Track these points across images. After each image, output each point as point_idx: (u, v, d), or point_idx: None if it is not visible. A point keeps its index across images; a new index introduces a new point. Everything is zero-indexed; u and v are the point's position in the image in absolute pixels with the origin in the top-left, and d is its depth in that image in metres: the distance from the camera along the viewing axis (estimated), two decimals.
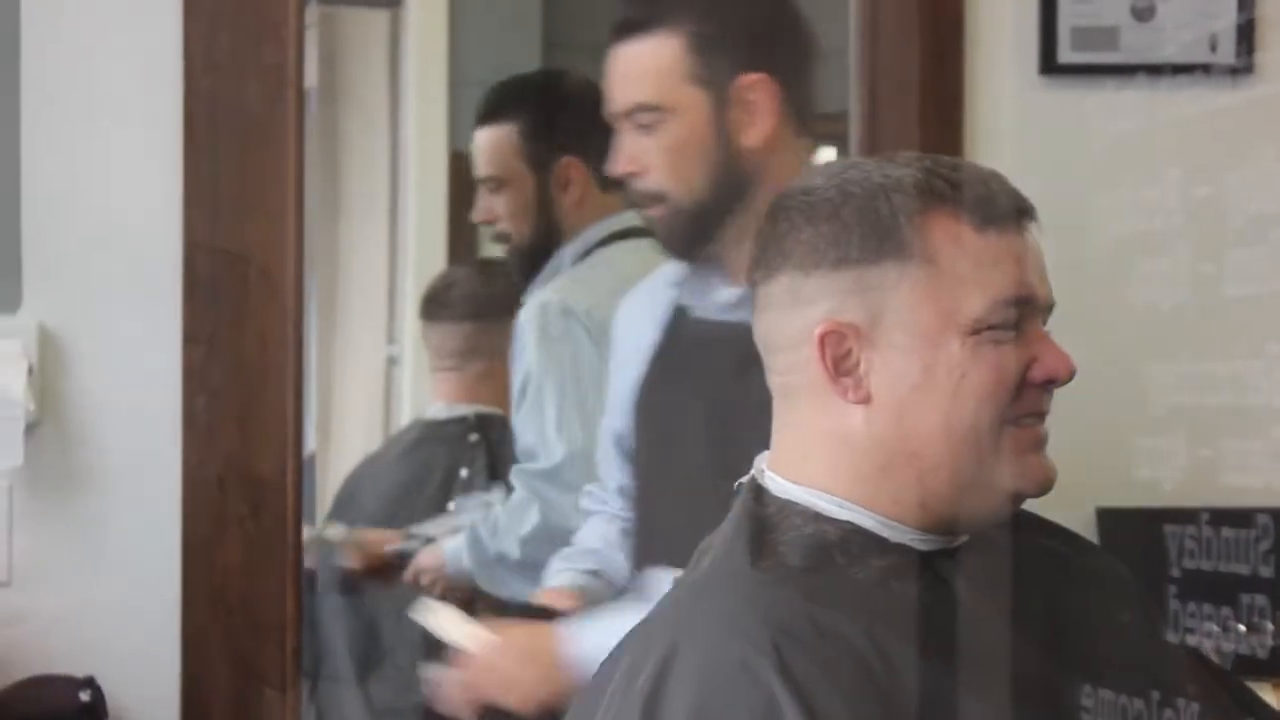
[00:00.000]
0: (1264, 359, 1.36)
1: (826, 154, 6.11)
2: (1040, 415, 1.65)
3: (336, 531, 3.83)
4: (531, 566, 2.91)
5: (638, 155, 2.41)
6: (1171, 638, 1.54)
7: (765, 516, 1.65)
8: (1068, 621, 1.68)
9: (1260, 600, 1.37)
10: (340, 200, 4.61)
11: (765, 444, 1.72)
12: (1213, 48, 1.91)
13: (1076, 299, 1.91)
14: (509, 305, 3.33)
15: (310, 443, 3.43)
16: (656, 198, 2.41)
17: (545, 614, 2.43)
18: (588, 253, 3.24)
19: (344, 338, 4.62)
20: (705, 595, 1.63)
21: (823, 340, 1.62)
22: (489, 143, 3.36)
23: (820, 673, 1.51)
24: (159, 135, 2.81)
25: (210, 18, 2.81)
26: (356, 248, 4.37)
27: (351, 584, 3.80)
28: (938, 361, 1.61)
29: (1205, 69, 1.65)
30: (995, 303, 1.61)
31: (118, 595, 2.79)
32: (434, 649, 2.50)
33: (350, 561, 3.77)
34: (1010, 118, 2.93)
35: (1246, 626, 1.39)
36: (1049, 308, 1.67)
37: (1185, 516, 1.43)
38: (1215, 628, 1.41)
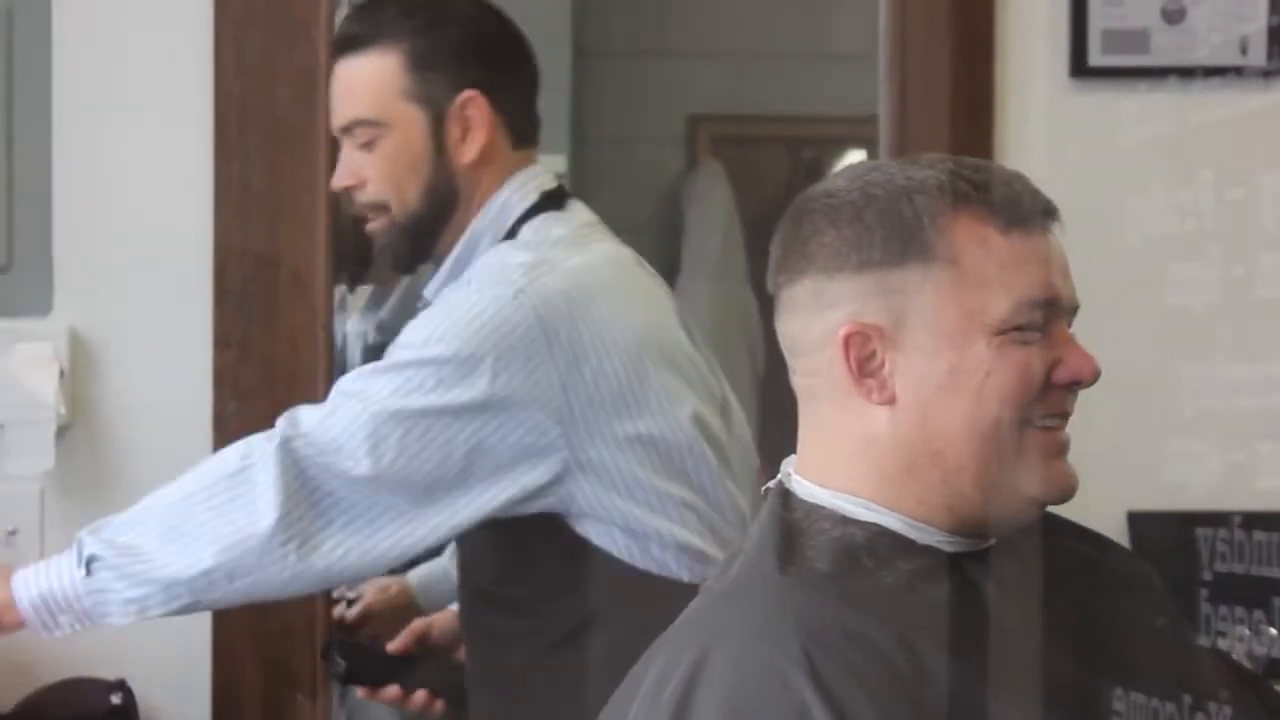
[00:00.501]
0: None
1: (855, 156, 6.12)
2: (1064, 417, 1.64)
3: None
4: None
5: (357, 169, 2.46)
6: (1203, 641, 1.54)
7: (793, 521, 1.65)
8: (1098, 625, 1.67)
9: None
10: None
11: None
12: (1244, 50, 1.90)
13: (1108, 302, 1.91)
14: None
15: None
16: (379, 208, 2.47)
17: None
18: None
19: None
20: (734, 602, 1.63)
21: (847, 342, 1.62)
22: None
23: (850, 678, 1.51)
24: (189, 138, 2.82)
25: (241, 21, 2.82)
26: None
27: None
28: (963, 361, 1.60)
29: (1236, 71, 1.64)
30: (1021, 304, 1.61)
31: None
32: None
33: None
34: (1041, 121, 2.93)
35: (1278, 630, 1.39)
36: (1074, 309, 1.67)
37: (1217, 520, 1.43)
38: (1247, 631, 1.41)
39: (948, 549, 1.64)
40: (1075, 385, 1.64)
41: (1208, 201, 1.47)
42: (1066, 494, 1.65)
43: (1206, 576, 1.42)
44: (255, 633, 2.79)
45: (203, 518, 2.25)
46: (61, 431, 2.77)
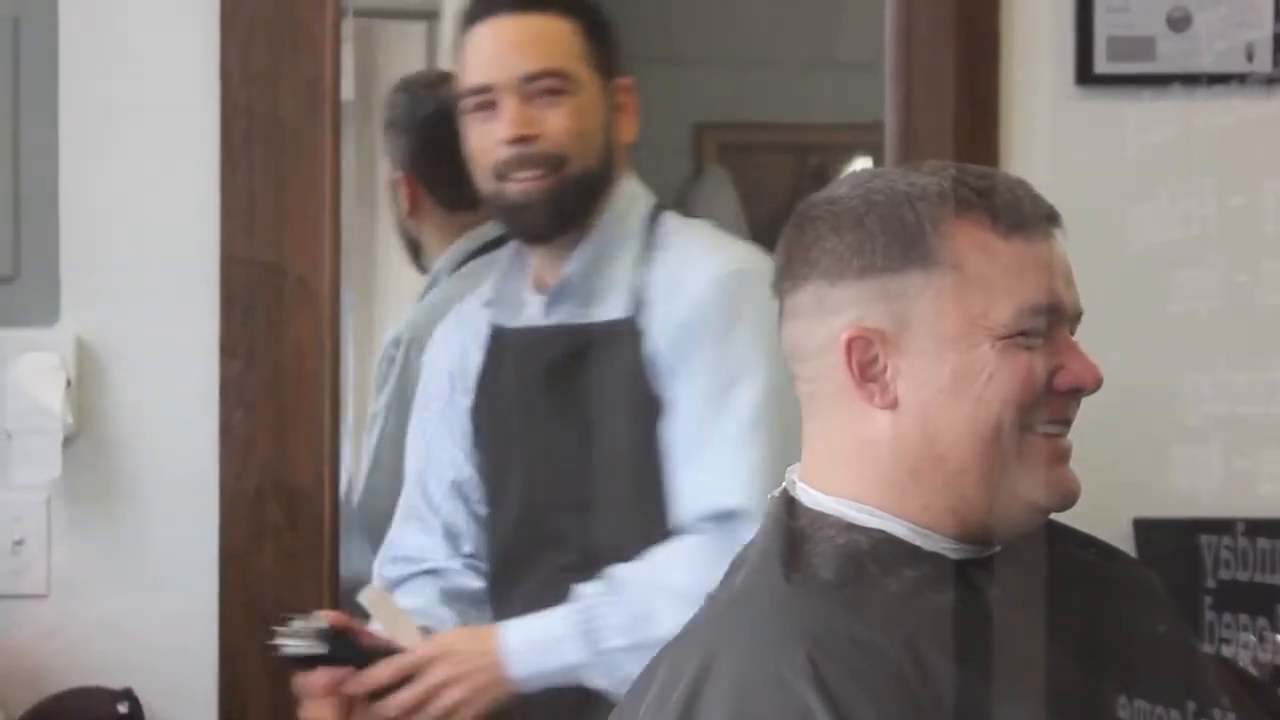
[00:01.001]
0: None
1: (861, 164, 6.12)
2: (1065, 423, 1.65)
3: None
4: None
5: (534, 119, 2.46)
6: (1207, 648, 1.54)
7: (798, 529, 1.65)
8: (1102, 632, 1.67)
9: None
10: (376, 211, 4.61)
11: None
12: (1249, 57, 1.90)
13: (1112, 308, 1.91)
14: None
15: (347, 454, 3.43)
16: (553, 161, 2.46)
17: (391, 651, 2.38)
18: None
19: (380, 349, 4.63)
20: (740, 610, 1.63)
21: (849, 346, 1.63)
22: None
23: (856, 686, 1.51)
24: (196, 148, 2.82)
25: (247, 31, 2.82)
26: (392, 259, 4.36)
27: None
28: (965, 365, 1.61)
29: (1241, 79, 1.64)
30: (1023, 309, 1.61)
31: (155, 607, 2.79)
32: None
33: None
34: (1046, 128, 2.93)
35: None
36: (1077, 316, 1.67)
37: (1221, 527, 1.42)
38: (1251, 638, 1.41)
39: (953, 556, 1.64)
40: (1077, 392, 1.64)
41: (1212, 208, 1.47)
42: (1068, 500, 1.65)
43: (1211, 584, 1.42)
44: (262, 640, 2.79)
45: None
46: (68, 441, 2.77)
